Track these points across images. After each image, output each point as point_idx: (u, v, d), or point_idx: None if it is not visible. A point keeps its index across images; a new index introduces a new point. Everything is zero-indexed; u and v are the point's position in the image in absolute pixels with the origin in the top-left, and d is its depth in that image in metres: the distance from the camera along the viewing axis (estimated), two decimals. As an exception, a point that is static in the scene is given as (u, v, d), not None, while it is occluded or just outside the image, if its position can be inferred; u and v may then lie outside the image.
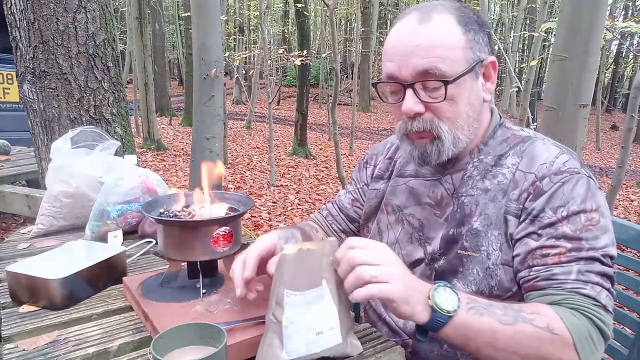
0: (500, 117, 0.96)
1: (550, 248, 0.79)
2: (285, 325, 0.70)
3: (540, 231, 0.80)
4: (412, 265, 0.95)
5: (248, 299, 0.82)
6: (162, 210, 0.97)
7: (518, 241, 0.83)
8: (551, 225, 0.80)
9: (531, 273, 0.80)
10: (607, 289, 0.77)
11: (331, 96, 8.31)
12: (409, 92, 0.83)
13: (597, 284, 0.76)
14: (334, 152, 5.87)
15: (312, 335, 0.70)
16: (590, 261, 0.77)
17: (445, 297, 0.70)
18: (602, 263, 0.78)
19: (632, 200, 6.60)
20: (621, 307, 1.12)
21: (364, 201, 1.11)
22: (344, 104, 17.88)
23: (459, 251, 0.88)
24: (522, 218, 0.83)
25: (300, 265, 0.73)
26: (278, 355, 0.69)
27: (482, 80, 0.88)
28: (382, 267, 0.69)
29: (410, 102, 0.83)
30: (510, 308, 0.73)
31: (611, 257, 0.79)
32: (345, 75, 21.05)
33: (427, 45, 0.81)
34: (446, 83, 0.81)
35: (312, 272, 0.72)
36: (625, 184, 7.66)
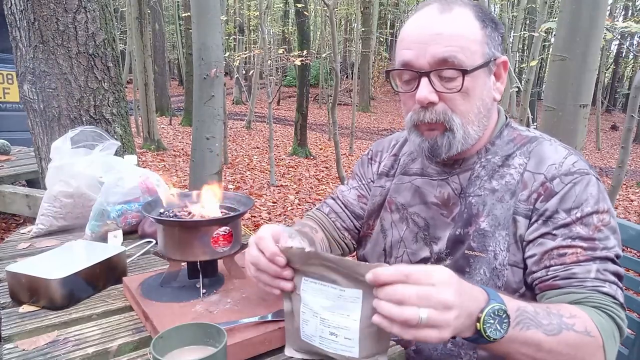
0: (506, 117, 0.96)
1: (567, 248, 0.79)
2: (304, 303, 0.72)
3: (555, 232, 0.80)
4: (418, 264, 0.95)
5: (248, 299, 0.81)
6: (162, 210, 0.97)
7: (531, 242, 0.83)
8: (565, 226, 0.80)
9: (549, 273, 0.80)
10: (621, 288, 0.78)
11: (331, 96, 8.30)
12: (424, 80, 0.82)
13: (613, 282, 0.77)
14: (334, 152, 5.87)
15: (327, 332, 0.70)
16: (604, 261, 0.78)
17: (497, 327, 0.64)
18: (614, 262, 0.79)
19: (632, 200, 6.60)
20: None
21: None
22: (344, 104, 17.87)
23: (466, 251, 0.88)
24: (533, 219, 0.83)
25: (330, 264, 0.67)
26: (298, 331, 0.73)
27: (494, 79, 0.88)
28: (434, 314, 0.59)
29: (425, 91, 0.82)
30: (552, 314, 0.71)
31: (618, 257, 0.80)
32: (345, 75, 21.06)
33: (447, 34, 0.81)
34: (464, 73, 0.81)
35: (345, 272, 0.66)
36: (625, 184, 7.66)
